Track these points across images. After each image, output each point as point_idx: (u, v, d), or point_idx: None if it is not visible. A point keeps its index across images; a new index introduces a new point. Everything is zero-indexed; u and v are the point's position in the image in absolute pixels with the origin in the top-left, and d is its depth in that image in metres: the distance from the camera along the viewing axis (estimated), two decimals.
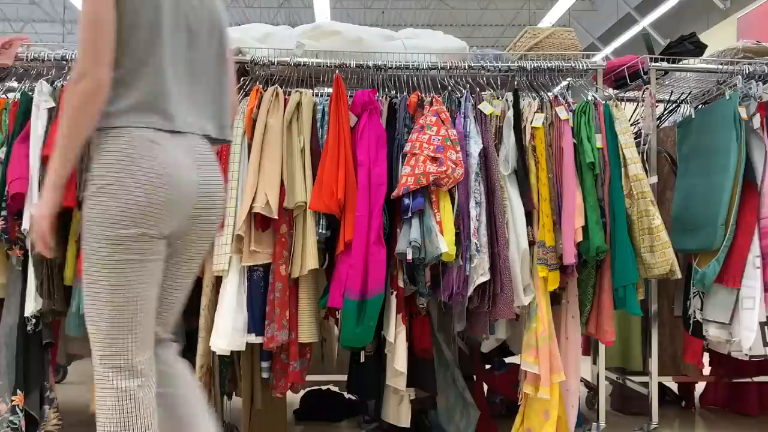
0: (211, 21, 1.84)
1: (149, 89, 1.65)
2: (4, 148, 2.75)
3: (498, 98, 2.96)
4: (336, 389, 3.48)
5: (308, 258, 2.67)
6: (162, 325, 1.87)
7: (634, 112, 3.71)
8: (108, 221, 1.60)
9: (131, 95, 1.64)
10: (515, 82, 3.11)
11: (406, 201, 2.63)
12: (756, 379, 3.35)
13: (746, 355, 2.85)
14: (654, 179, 3.15)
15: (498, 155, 2.85)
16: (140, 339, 1.68)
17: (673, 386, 3.80)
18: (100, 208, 1.61)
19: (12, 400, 2.68)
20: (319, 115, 2.87)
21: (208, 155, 1.80)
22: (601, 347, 3.11)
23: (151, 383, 1.71)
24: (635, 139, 3.05)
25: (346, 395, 3.35)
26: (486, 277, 2.67)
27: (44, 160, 2.66)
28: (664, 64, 3.24)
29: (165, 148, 1.65)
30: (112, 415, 1.63)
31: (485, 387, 3.25)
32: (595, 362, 3.39)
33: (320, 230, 2.73)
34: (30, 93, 2.82)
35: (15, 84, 3.03)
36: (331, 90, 2.89)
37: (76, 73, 1.58)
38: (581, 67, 3.10)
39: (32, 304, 2.64)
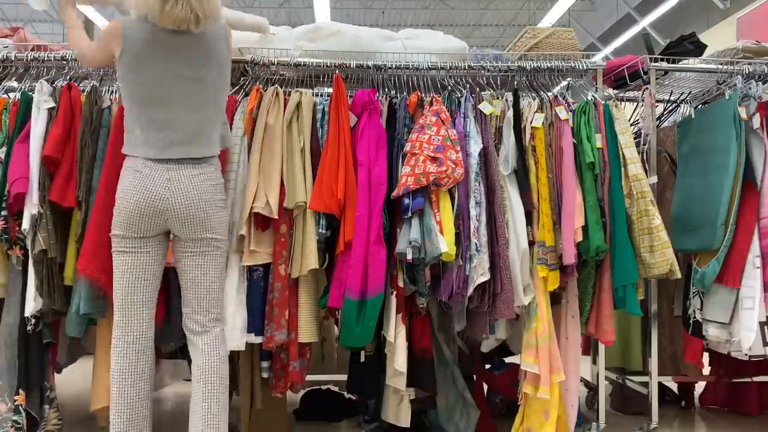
0: (183, 75, 2.34)
1: (138, 134, 2.35)
2: (4, 148, 2.75)
3: (498, 98, 2.96)
4: (336, 389, 3.49)
5: (308, 258, 2.67)
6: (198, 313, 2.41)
7: (634, 112, 3.71)
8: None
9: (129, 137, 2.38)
10: (515, 82, 3.11)
11: (406, 201, 2.63)
12: (756, 378, 3.35)
13: (746, 355, 2.85)
14: (654, 179, 3.15)
15: (498, 155, 2.85)
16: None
17: (673, 386, 3.80)
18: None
19: (15, 400, 2.68)
20: (319, 115, 2.87)
21: (187, 174, 2.33)
22: (601, 347, 3.11)
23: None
24: (635, 139, 3.05)
25: (346, 395, 3.35)
26: (486, 277, 2.67)
27: (44, 160, 2.66)
28: (664, 64, 3.24)
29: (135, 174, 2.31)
30: None
31: (485, 387, 3.25)
32: (595, 362, 3.39)
33: (320, 230, 2.73)
34: (30, 93, 2.82)
35: (15, 84, 3.03)
36: (331, 90, 2.89)
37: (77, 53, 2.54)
38: (581, 67, 3.10)
39: (32, 304, 2.64)
